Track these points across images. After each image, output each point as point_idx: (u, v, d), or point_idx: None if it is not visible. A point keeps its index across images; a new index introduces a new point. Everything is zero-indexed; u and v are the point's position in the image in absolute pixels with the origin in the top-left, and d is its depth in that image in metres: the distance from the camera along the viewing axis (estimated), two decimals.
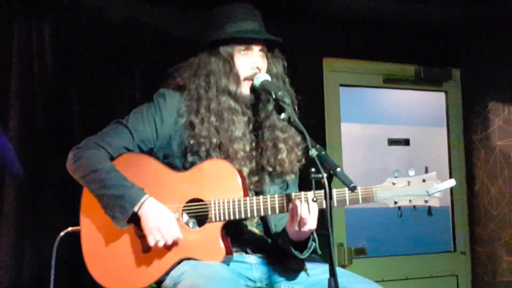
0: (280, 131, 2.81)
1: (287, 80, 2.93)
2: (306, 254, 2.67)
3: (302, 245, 2.65)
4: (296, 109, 2.81)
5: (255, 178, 2.78)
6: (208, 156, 2.72)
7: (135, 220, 2.66)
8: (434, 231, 5.86)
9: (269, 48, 2.89)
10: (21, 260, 4.09)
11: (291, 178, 2.85)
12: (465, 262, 5.86)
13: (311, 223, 2.52)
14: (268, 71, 2.85)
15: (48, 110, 4.25)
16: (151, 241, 2.63)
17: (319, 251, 2.72)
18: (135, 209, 2.62)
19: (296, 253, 2.65)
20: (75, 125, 4.32)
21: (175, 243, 2.65)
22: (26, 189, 4.13)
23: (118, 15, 4.54)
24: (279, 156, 2.79)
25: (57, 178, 4.11)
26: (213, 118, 2.75)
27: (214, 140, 2.72)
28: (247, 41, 2.80)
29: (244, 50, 2.81)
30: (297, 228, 2.53)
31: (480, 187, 5.76)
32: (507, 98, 5.52)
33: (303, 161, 2.83)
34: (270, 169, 2.79)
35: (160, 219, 2.62)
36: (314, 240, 2.68)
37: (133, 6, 4.61)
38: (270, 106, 2.78)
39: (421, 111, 6.06)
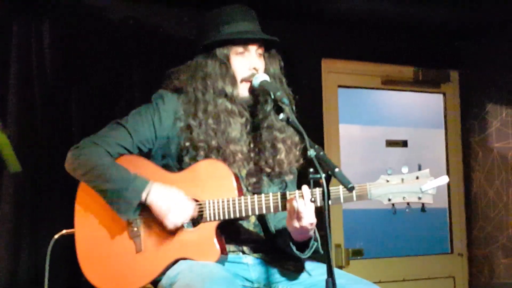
0: (278, 131, 2.81)
1: (284, 80, 2.92)
2: (307, 253, 2.66)
3: (304, 244, 2.65)
4: (294, 108, 2.81)
5: (253, 180, 2.78)
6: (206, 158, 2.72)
7: (143, 210, 2.66)
8: (431, 233, 5.87)
9: (266, 48, 2.89)
10: (18, 261, 4.09)
11: (290, 178, 2.84)
12: (462, 264, 5.86)
13: (308, 217, 2.49)
14: (265, 71, 2.84)
15: (46, 109, 4.24)
16: (169, 226, 2.62)
17: (321, 251, 2.71)
18: (142, 198, 2.63)
19: (298, 253, 2.65)
20: (73, 125, 4.31)
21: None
22: (24, 189, 4.12)
23: (117, 15, 4.55)
24: (278, 157, 2.78)
25: (56, 178, 4.10)
26: (210, 121, 2.74)
27: (213, 143, 2.72)
28: (243, 42, 2.80)
29: (240, 51, 2.80)
30: (296, 224, 2.51)
31: (478, 189, 5.76)
32: (505, 100, 5.53)
33: (301, 161, 2.83)
34: (268, 170, 2.79)
35: (170, 202, 2.61)
36: (316, 240, 2.67)
37: (132, 6, 4.61)
38: (268, 107, 2.78)
39: (419, 112, 6.07)
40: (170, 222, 2.62)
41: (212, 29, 2.84)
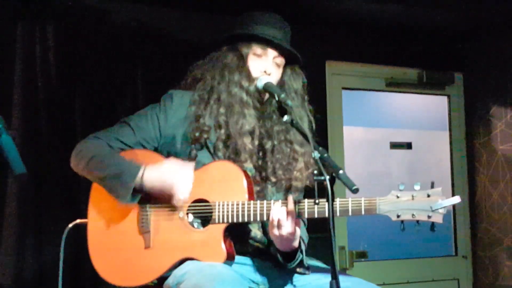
0: (299, 145, 2.83)
1: (306, 97, 2.95)
2: (292, 265, 2.67)
3: (290, 256, 2.65)
4: (314, 126, 2.83)
5: (257, 188, 2.77)
6: (213, 148, 2.74)
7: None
8: (435, 235, 5.83)
9: (289, 62, 2.91)
10: (23, 259, 4.11)
11: (295, 195, 2.83)
12: (466, 266, 5.86)
13: (288, 227, 2.51)
14: (287, 86, 2.88)
15: (51, 110, 4.26)
16: (175, 202, 2.64)
17: (305, 263, 2.72)
18: (137, 180, 2.64)
19: (282, 262, 2.66)
20: (77, 126, 4.33)
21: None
22: (28, 188, 4.14)
23: (121, 17, 4.56)
24: (295, 173, 2.80)
25: (60, 178, 4.12)
26: (222, 110, 2.78)
27: (222, 132, 2.74)
28: (263, 43, 2.83)
29: (259, 52, 2.84)
30: (276, 233, 2.53)
31: (482, 191, 5.75)
32: (509, 103, 5.52)
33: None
34: (274, 180, 2.80)
35: (166, 175, 2.62)
36: (302, 252, 2.68)
37: (136, 8, 4.62)
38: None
39: (424, 115, 6.06)
40: (175, 202, 2.64)
41: (240, 26, 2.90)
